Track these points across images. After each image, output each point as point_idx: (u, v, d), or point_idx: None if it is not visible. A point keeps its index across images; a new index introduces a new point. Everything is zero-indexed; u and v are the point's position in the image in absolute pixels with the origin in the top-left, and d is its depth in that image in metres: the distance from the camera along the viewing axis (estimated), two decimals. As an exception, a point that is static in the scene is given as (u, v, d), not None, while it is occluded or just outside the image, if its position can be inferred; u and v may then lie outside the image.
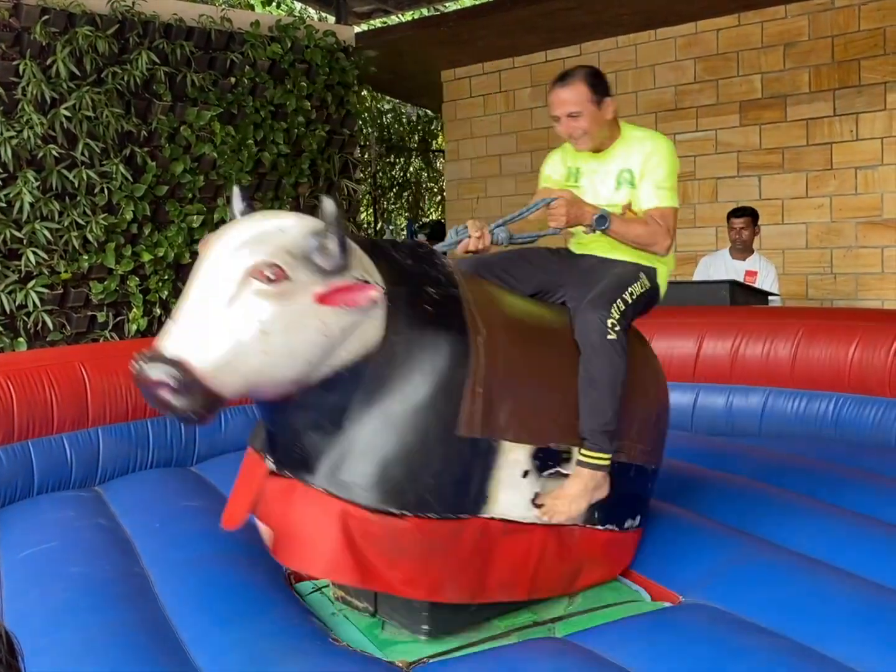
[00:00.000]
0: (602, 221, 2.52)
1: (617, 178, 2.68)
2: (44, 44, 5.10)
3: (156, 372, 1.93)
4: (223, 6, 6.55)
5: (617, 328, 2.40)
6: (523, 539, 2.34)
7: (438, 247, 2.45)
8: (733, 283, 4.91)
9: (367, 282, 2.04)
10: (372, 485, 2.08)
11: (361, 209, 9.74)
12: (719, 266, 5.51)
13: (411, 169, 11.93)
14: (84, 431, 3.74)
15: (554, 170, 2.85)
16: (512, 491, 2.29)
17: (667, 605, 2.48)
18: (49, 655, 2.14)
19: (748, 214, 5.48)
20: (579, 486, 2.40)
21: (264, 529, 2.26)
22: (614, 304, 2.44)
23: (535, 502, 2.35)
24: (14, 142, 4.96)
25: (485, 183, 8.37)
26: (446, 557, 2.20)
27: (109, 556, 2.78)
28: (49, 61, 5.12)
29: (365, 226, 10.53)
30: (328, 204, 1.98)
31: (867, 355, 3.89)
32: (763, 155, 6.82)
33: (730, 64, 6.94)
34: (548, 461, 2.37)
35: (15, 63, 5.03)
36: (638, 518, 2.67)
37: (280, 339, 1.94)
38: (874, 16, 6.26)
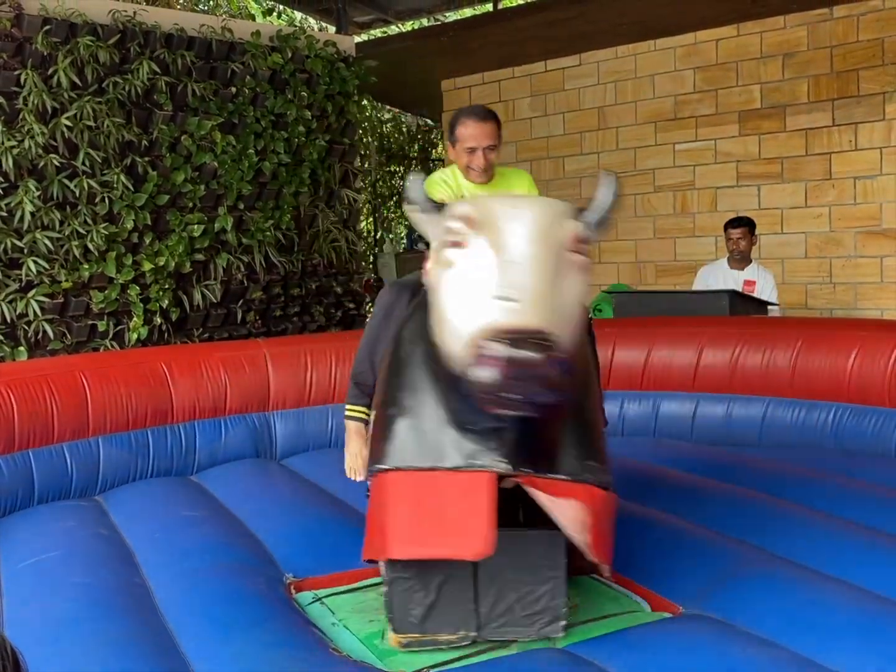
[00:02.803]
0: None
1: None
2: (45, 54, 5.12)
3: (542, 349, 1.81)
4: (224, 16, 6.55)
5: None
6: None
7: None
8: (732, 293, 4.92)
9: None
10: (604, 468, 2.27)
11: (362, 218, 9.75)
12: (718, 276, 5.51)
13: (411, 178, 11.94)
14: (84, 441, 3.75)
15: (444, 195, 2.95)
16: None
17: (667, 615, 2.48)
18: (50, 665, 2.14)
19: (745, 224, 5.49)
20: None
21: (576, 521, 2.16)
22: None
23: None
24: (15, 151, 4.97)
25: (485, 192, 8.36)
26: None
27: (110, 565, 2.79)
28: (50, 71, 5.13)
29: (365, 234, 10.54)
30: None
31: (867, 365, 3.89)
32: (762, 164, 6.84)
33: (729, 74, 6.96)
34: None
35: (16, 73, 5.03)
36: None
37: (580, 311, 2.08)
38: (873, 26, 6.29)
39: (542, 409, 1.89)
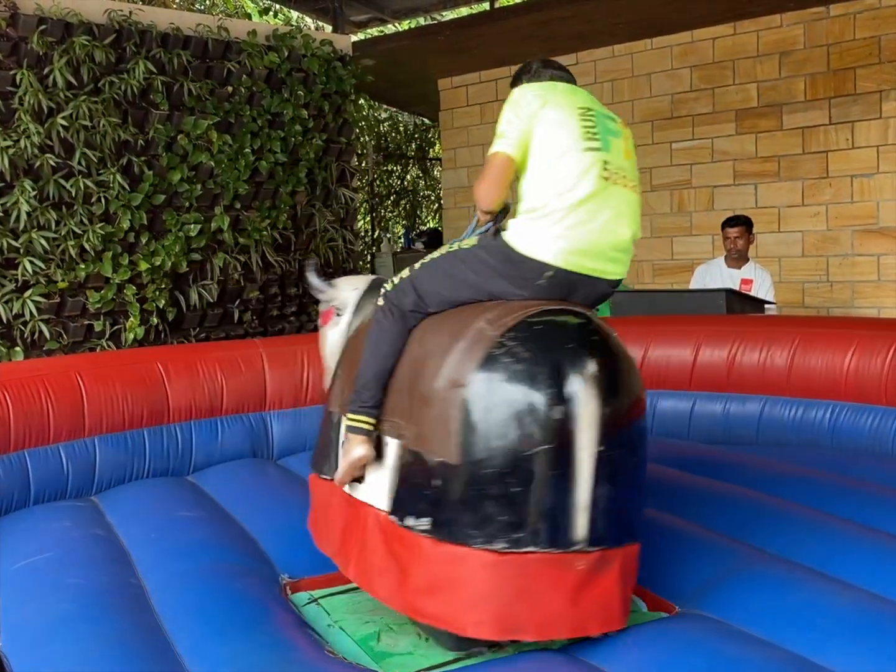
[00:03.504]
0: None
1: None
2: (41, 53, 5.11)
3: None
4: (220, 16, 6.55)
5: (385, 295, 2.47)
6: (356, 512, 2.53)
7: None
8: (729, 292, 4.91)
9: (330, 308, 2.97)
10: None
11: (359, 217, 9.74)
12: (715, 274, 5.51)
13: (409, 177, 11.95)
14: (80, 441, 3.73)
15: None
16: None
17: (663, 615, 2.48)
18: (45, 666, 2.14)
19: (742, 223, 5.49)
20: (344, 449, 2.49)
21: None
22: (391, 279, 2.53)
23: None
24: (11, 151, 4.96)
25: (482, 191, 8.35)
26: (324, 510, 2.73)
27: (106, 566, 2.78)
28: (46, 71, 5.12)
29: (363, 234, 10.54)
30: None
31: (864, 363, 3.89)
32: (759, 163, 6.84)
33: (726, 72, 6.96)
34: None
35: (12, 72, 5.03)
36: (426, 521, 2.18)
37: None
38: (869, 24, 6.29)
39: None
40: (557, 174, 2.28)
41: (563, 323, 2.22)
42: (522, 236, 2.28)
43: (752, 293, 5.24)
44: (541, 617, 2.11)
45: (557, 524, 2.09)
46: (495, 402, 2.12)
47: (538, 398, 2.10)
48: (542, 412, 2.09)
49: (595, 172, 2.28)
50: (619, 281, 2.41)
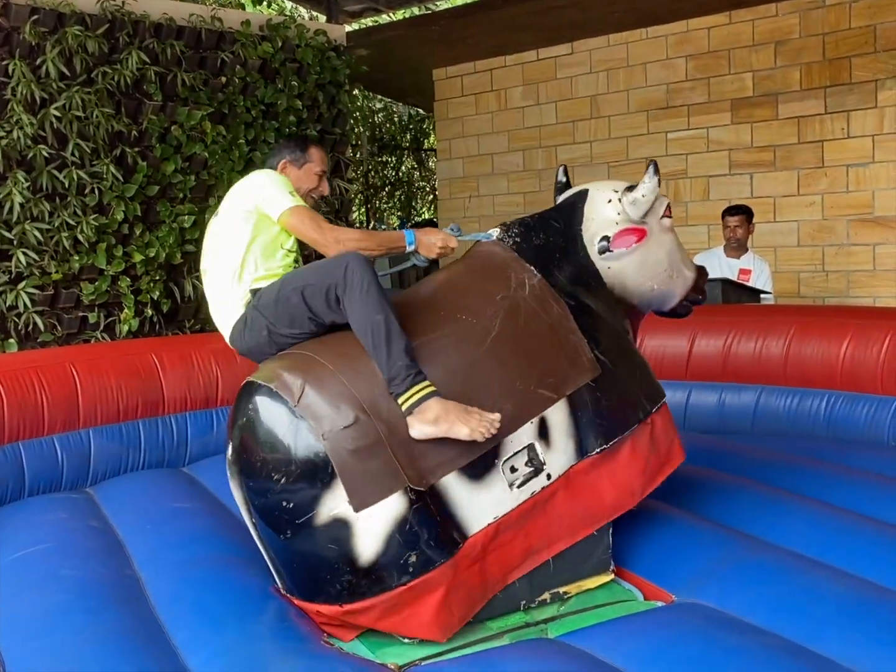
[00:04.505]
0: None
1: None
2: (33, 44, 5.08)
3: None
4: (214, 5, 6.52)
5: None
6: None
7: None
8: (725, 282, 4.91)
9: None
10: None
11: (354, 208, 9.72)
12: (713, 264, 5.50)
13: (403, 168, 11.92)
14: (75, 433, 3.73)
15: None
16: None
17: (660, 604, 2.48)
18: (41, 657, 2.13)
19: (743, 212, 5.48)
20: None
21: None
22: None
23: None
24: (4, 142, 4.94)
25: (477, 181, 8.35)
26: None
27: (101, 558, 2.77)
28: (39, 61, 5.09)
29: (357, 225, 10.51)
30: None
31: (859, 353, 3.89)
32: (755, 153, 6.82)
33: (721, 62, 6.94)
34: None
35: (4, 63, 5.01)
36: None
37: None
38: (865, 13, 6.27)
39: None
40: None
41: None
42: None
43: (751, 283, 5.24)
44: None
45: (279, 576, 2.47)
46: None
47: None
48: None
49: None
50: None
